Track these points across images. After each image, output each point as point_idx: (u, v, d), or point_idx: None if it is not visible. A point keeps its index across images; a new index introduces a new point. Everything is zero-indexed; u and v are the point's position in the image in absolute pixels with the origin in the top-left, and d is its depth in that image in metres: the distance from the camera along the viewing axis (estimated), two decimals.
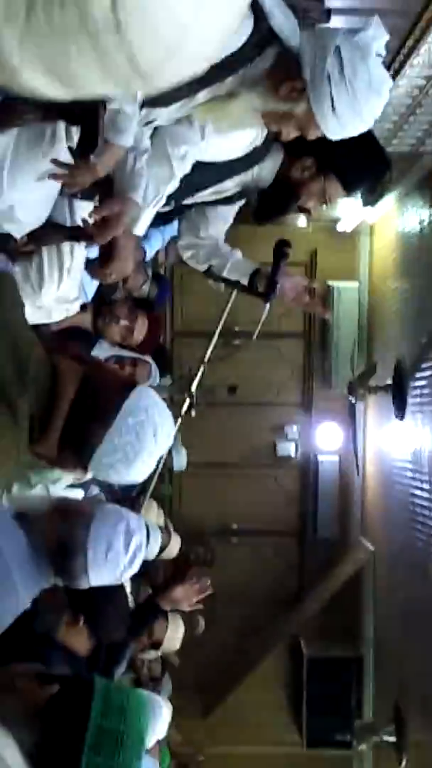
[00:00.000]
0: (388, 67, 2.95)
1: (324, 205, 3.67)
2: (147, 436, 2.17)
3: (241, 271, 3.78)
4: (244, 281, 3.76)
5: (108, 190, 2.96)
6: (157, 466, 3.06)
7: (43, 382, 2.13)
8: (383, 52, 2.86)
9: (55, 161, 2.60)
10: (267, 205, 3.69)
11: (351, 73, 2.78)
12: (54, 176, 2.64)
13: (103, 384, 2.23)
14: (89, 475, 3.75)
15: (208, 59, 1.11)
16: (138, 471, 2.22)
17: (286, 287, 3.72)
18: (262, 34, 2.79)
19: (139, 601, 5.34)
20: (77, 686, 2.20)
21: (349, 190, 3.59)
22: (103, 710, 2.11)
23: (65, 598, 3.28)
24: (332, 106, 2.83)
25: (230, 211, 3.80)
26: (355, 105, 2.84)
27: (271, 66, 2.89)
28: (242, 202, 3.74)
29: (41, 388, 2.12)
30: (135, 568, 2.77)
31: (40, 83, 1.04)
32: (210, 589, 5.15)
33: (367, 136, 3.33)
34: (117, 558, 2.62)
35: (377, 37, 2.82)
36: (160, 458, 2.36)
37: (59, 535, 2.65)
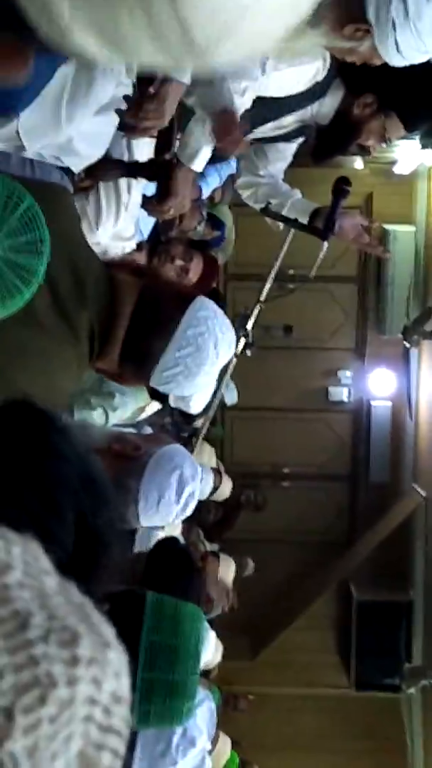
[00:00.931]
0: None
1: (384, 144, 3.61)
2: (208, 348, 2.16)
3: (300, 210, 3.74)
4: (303, 220, 3.72)
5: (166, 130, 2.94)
6: (210, 403, 3.05)
7: (101, 296, 2.12)
8: None
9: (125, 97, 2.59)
10: (326, 143, 3.63)
11: (416, 15, 2.74)
12: (120, 116, 2.63)
13: (162, 296, 2.22)
14: (154, 407, 3.77)
15: (269, 39, 1.08)
16: (199, 384, 2.21)
17: (346, 226, 3.68)
18: None
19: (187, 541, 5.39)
20: (128, 602, 2.20)
21: (409, 128, 3.53)
22: (155, 625, 2.12)
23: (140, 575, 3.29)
24: (397, 47, 2.80)
25: (289, 149, 3.75)
26: (420, 45, 2.81)
27: (332, 5, 2.85)
28: (301, 139, 3.69)
29: (100, 302, 2.11)
30: (187, 514, 2.77)
31: (91, 46, 1.01)
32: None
33: (430, 75, 3.27)
34: (169, 506, 2.61)
35: None
36: (214, 394, 2.35)
37: (112, 480, 2.65)
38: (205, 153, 3.18)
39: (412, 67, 2.99)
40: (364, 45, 2.87)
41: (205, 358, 2.17)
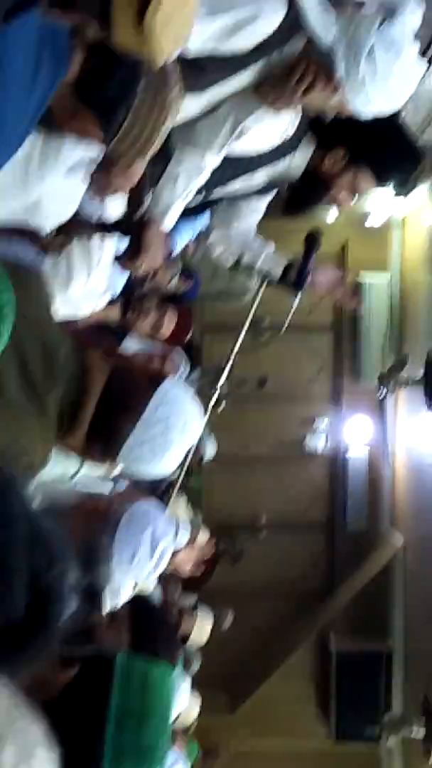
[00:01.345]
0: (422, 53, 2.98)
1: (355, 197, 3.65)
2: (175, 429, 2.17)
3: (273, 264, 3.76)
4: (276, 273, 3.74)
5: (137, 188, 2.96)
6: (186, 458, 3.04)
7: (71, 375, 2.13)
8: (418, 25, 2.87)
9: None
10: (298, 197, 3.67)
11: (385, 72, 2.80)
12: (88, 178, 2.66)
13: (131, 377, 2.23)
14: (117, 470, 3.76)
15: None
16: (166, 463, 2.21)
17: (319, 279, 3.70)
18: (292, 21, 2.80)
19: (164, 600, 5.36)
20: (98, 665, 2.17)
21: (380, 180, 3.57)
22: (125, 688, 2.09)
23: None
24: (367, 100, 2.86)
25: (262, 203, 3.78)
26: (390, 97, 2.88)
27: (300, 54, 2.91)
28: (274, 192, 3.72)
29: (70, 383, 2.12)
30: (161, 570, 2.75)
31: None
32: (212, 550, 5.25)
33: (398, 127, 3.33)
34: (142, 563, 2.61)
35: (412, 21, 2.83)
36: (189, 450, 2.36)
37: (84, 538, 2.64)
38: (176, 210, 3.21)
39: (381, 119, 3.05)
40: (334, 99, 2.93)
41: (173, 439, 2.18)
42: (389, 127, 3.22)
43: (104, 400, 2.16)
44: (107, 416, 2.16)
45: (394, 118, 3.17)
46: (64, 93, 2.15)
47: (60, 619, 1.30)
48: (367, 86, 2.85)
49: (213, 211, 3.86)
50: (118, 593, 3.11)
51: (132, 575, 2.71)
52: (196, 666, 6.71)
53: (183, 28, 2.27)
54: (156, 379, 2.23)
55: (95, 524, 2.65)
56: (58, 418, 2.12)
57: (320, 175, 3.52)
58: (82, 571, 2.68)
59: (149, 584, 4.13)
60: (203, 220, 4.16)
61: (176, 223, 3.41)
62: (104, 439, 2.19)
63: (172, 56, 2.22)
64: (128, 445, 2.15)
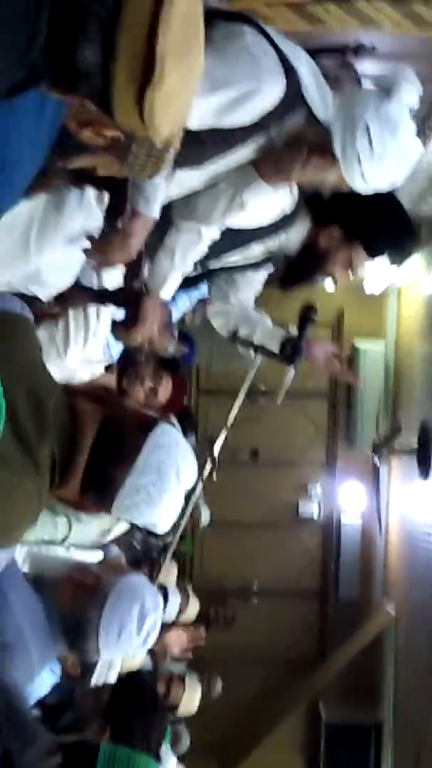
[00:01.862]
0: (418, 132, 3.02)
1: (350, 272, 3.67)
2: (169, 475, 2.15)
3: (270, 337, 3.77)
4: (273, 346, 3.75)
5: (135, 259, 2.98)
6: (179, 522, 3.04)
7: (62, 425, 2.11)
8: (416, 103, 2.91)
9: (89, 238, 2.65)
10: (293, 272, 3.69)
11: (381, 150, 2.84)
12: (87, 252, 2.68)
13: (123, 424, 2.21)
14: (111, 535, 3.74)
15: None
16: (162, 512, 2.19)
17: (317, 353, 3.71)
18: (292, 96, 2.84)
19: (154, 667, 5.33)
20: (82, 754, 2.15)
21: (373, 256, 3.60)
22: None
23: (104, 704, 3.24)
24: (363, 177, 2.89)
25: (258, 277, 3.81)
26: (386, 174, 2.91)
27: (300, 133, 2.95)
28: (270, 268, 3.74)
29: (61, 433, 2.10)
30: (149, 646, 2.73)
31: None
32: (202, 641, 5.19)
33: (393, 204, 3.37)
34: (129, 639, 2.59)
35: (409, 99, 2.87)
36: (182, 514, 2.34)
37: (73, 611, 2.62)
38: (174, 281, 3.23)
39: (374, 196, 3.08)
40: (332, 174, 2.97)
41: (167, 485, 2.16)
42: (384, 201, 3.25)
43: (96, 450, 2.14)
44: (100, 466, 2.14)
45: (389, 192, 3.21)
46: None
47: None
48: (363, 164, 2.89)
49: (212, 283, 3.88)
50: (108, 668, 3.10)
51: (119, 651, 2.69)
52: (185, 743, 6.64)
53: (183, 107, 2.30)
54: (148, 425, 2.22)
55: (83, 597, 2.63)
56: (50, 471, 2.11)
57: (316, 250, 3.54)
58: (69, 645, 2.66)
59: (136, 660, 4.10)
60: (202, 290, 4.19)
61: (174, 292, 3.43)
62: (98, 488, 2.16)
63: (175, 137, 2.25)
64: (122, 493, 2.13)
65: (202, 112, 2.77)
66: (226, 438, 4.10)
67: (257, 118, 2.89)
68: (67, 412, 2.16)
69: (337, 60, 3.68)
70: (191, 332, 6.11)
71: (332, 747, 9.09)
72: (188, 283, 3.64)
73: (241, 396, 4.08)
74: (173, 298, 3.79)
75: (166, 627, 5.45)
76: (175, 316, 5.24)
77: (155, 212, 2.79)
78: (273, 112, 2.88)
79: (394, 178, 3.00)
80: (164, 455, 2.16)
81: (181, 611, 6.02)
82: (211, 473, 3.95)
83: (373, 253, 3.55)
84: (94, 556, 3.70)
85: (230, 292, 3.80)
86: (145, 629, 2.61)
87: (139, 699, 3.02)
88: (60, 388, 2.21)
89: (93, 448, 2.15)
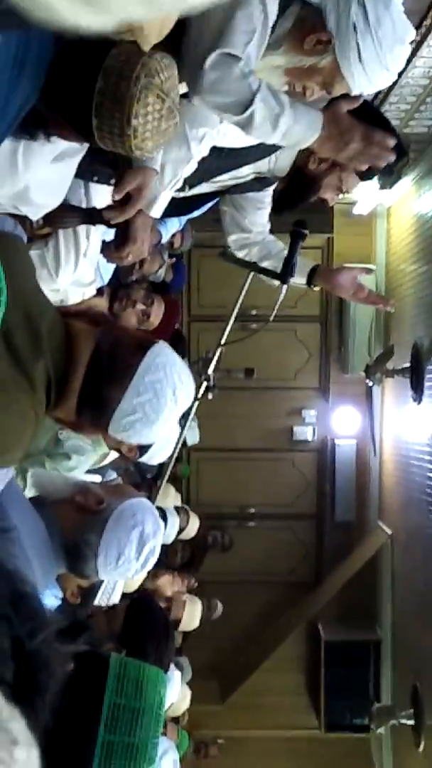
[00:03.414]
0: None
1: (341, 195, 3.65)
2: (166, 394, 2.15)
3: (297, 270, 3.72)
4: (300, 280, 3.72)
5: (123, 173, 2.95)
6: (176, 445, 3.04)
7: (57, 345, 2.11)
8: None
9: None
10: (285, 197, 3.66)
11: (375, 21, 2.78)
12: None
13: (119, 343, 2.21)
14: (110, 457, 3.75)
15: None
16: (159, 431, 2.19)
17: (344, 282, 3.68)
18: None
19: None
20: (92, 663, 2.17)
21: (364, 178, 3.57)
22: (118, 687, 2.09)
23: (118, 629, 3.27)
24: (358, 55, 2.82)
25: (265, 197, 3.76)
26: (381, 54, 2.83)
27: (293, 24, 2.89)
28: (273, 186, 3.70)
29: (56, 353, 2.10)
30: (147, 570, 2.75)
31: (62, 4, 0.94)
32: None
33: (383, 122, 3.32)
34: (128, 564, 2.59)
35: None
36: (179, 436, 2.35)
37: (73, 533, 2.62)
38: (164, 200, 3.20)
39: (365, 114, 3.03)
40: (326, 59, 2.89)
41: (164, 405, 2.16)
42: (373, 121, 3.19)
43: (92, 369, 2.14)
44: (96, 385, 2.13)
45: (377, 112, 3.16)
46: None
47: (50, 685, 1.28)
48: (358, 35, 2.80)
49: (223, 214, 3.83)
50: (109, 591, 3.12)
51: (118, 575, 2.70)
52: (187, 675, 6.77)
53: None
54: (144, 345, 2.21)
55: (84, 519, 2.64)
56: (45, 390, 2.10)
57: (306, 174, 3.51)
58: (68, 567, 2.68)
59: (135, 583, 4.14)
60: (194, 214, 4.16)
61: (166, 215, 3.41)
62: (94, 408, 2.16)
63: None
64: (118, 414, 2.13)
65: None
66: (219, 360, 4.10)
67: None
68: (63, 333, 2.16)
69: None
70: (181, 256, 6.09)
71: (332, 665, 9.22)
72: (181, 209, 3.63)
73: (233, 317, 4.07)
74: (162, 218, 3.77)
75: (160, 571, 5.59)
76: (165, 237, 5.23)
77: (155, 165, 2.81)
78: None
79: (389, 62, 2.90)
80: (161, 375, 2.16)
81: (182, 530, 6.12)
82: (206, 393, 3.95)
83: (363, 174, 3.52)
84: (92, 480, 3.72)
85: (240, 216, 3.76)
86: (144, 554, 2.62)
87: (153, 625, 3.05)
88: (55, 309, 2.20)
89: (89, 367, 2.15)
